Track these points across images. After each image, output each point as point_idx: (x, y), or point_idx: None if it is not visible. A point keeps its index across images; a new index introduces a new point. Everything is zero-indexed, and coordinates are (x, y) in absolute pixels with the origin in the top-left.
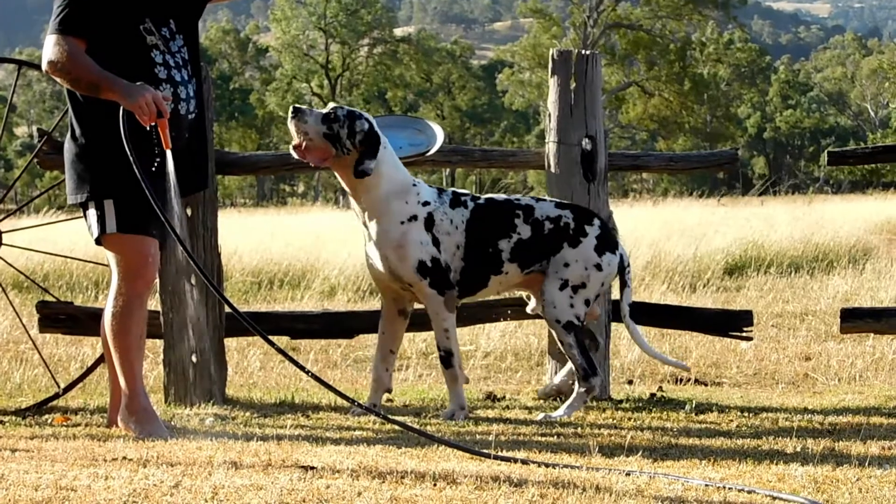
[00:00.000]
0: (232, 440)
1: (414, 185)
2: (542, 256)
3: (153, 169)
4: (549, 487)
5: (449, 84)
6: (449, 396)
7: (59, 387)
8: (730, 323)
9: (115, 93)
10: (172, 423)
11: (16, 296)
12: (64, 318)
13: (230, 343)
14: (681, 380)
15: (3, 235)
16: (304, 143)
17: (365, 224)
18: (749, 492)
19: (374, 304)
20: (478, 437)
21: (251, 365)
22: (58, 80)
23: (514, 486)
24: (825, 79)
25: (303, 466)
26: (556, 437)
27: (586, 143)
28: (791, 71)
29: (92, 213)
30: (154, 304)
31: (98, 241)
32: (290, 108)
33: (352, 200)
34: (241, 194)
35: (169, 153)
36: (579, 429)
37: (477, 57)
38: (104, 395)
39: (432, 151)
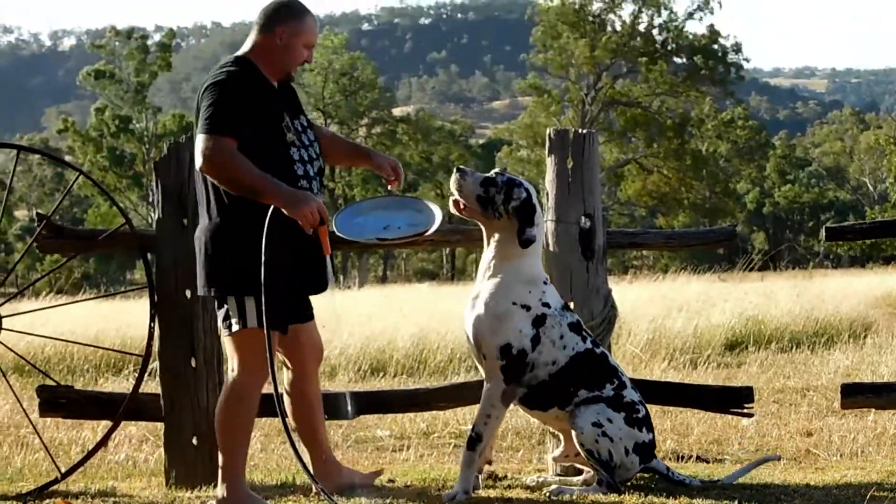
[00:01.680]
0: None
1: (545, 282)
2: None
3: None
4: None
5: (448, 163)
6: (459, 478)
7: (59, 471)
8: (731, 399)
9: (276, 199)
10: None
11: (16, 380)
12: (64, 402)
13: None
14: (682, 457)
15: (4, 320)
16: (460, 202)
17: (479, 282)
18: None
19: (375, 384)
20: None
21: (252, 447)
22: (211, 178)
23: None
24: (824, 153)
25: None
26: None
27: (584, 222)
28: (787, 146)
29: (232, 305)
30: (154, 385)
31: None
32: (455, 168)
33: (483, 258)
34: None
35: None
36: None
37: (476, 136)
38: (105, 479)
39: (430, 231)
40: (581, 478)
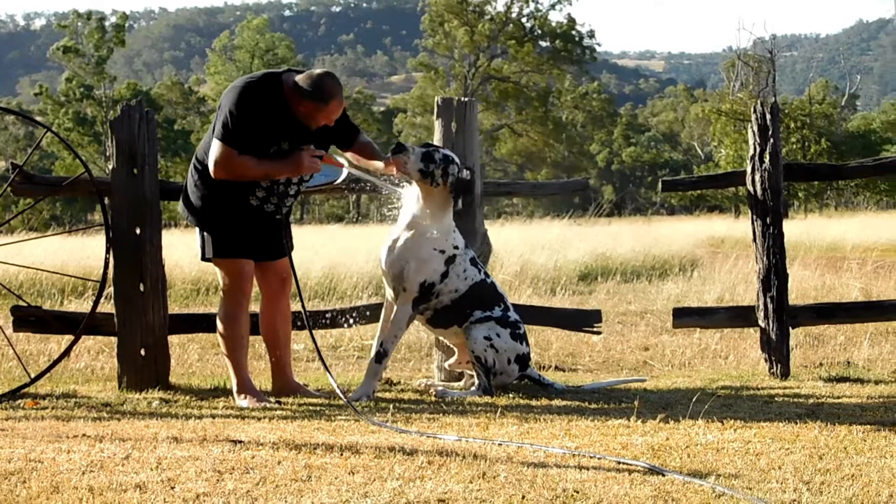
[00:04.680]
0: (174, 419)
1: (454, 230)
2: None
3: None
4: (435, 455)
5: (356, 124)
6: (363, 383)
7: (29, 376)
8: (583, 320)
9: (284, 173)
10: (124, 406)
11: None
12: (34, 319)
13: (172, 339)
14: (543, 367)
15: None
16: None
17: (401, 227)
18: (599, 458)
19: (293, 307)
20: (377, 413)
21: (190, 357)
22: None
23: (406, 454)
24: (660, 122)
25: (233, 440)
26: (442, 413)
27: (466, 174)
28: (631, 115)
29: (198, 238)
30: (109, 306)
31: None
32: (396, 145)
33: (407, 208)
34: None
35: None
36: (461, 407)
37: (377, 104)
38: (67, 383)
39: (340, 180)
40: (461, 383)
